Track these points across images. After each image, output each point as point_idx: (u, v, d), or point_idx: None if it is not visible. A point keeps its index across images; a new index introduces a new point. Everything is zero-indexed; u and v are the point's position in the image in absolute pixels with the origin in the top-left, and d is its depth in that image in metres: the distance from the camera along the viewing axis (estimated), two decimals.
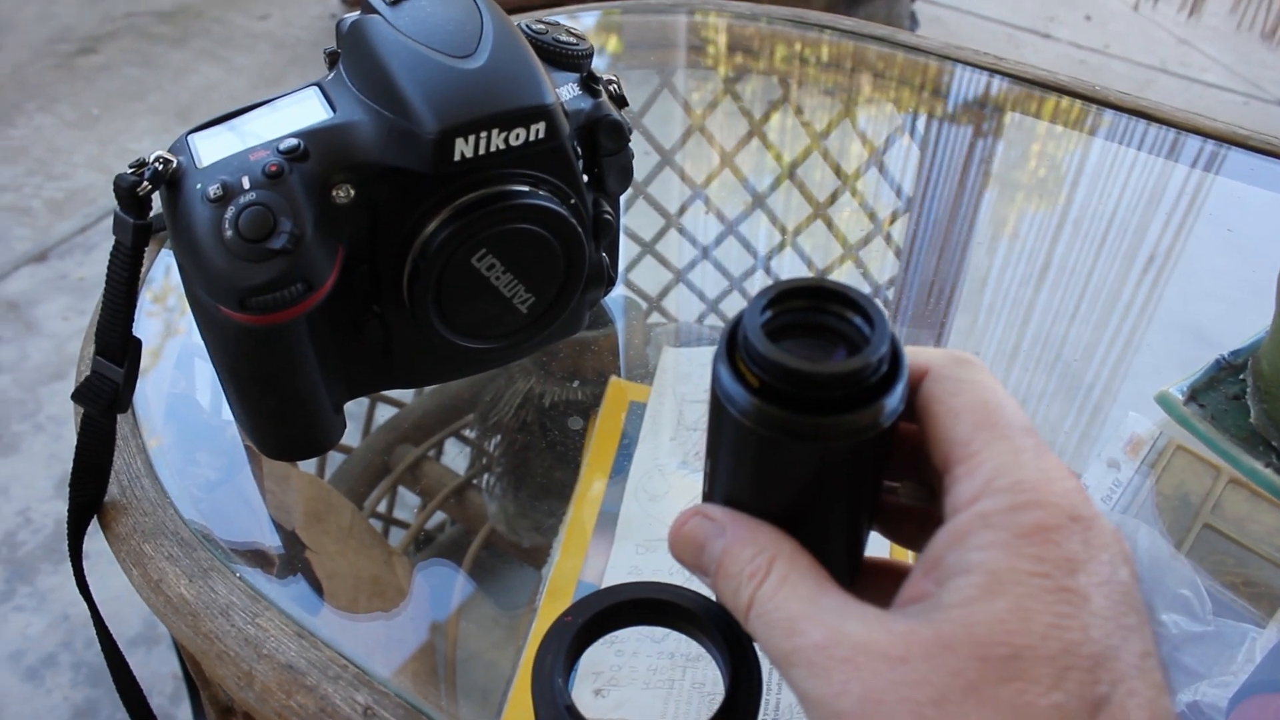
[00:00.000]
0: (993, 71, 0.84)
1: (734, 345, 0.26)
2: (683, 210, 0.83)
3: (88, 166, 1.86)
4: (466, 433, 0.81)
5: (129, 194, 0.41)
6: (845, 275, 0.80)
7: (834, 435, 0.25)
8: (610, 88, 0.48)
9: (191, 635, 0.42)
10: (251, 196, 0.39)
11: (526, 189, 0.42)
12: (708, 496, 0.30)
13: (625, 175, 0.48)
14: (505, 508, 0.75)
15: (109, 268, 0.43)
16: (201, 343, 0.46)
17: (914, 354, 0.27)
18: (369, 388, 0.50)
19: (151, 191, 0.42)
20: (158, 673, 1.09)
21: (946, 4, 2.42)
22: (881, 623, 0.23)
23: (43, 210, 1.75)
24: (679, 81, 0.90)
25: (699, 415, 0.65)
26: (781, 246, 0.81)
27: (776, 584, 0.25)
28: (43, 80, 2.11)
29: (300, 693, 0.39)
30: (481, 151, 0.41)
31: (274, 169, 0.40)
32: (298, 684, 0.39)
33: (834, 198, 0.82)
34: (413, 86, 0.40)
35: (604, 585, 0.57)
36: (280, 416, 0.46)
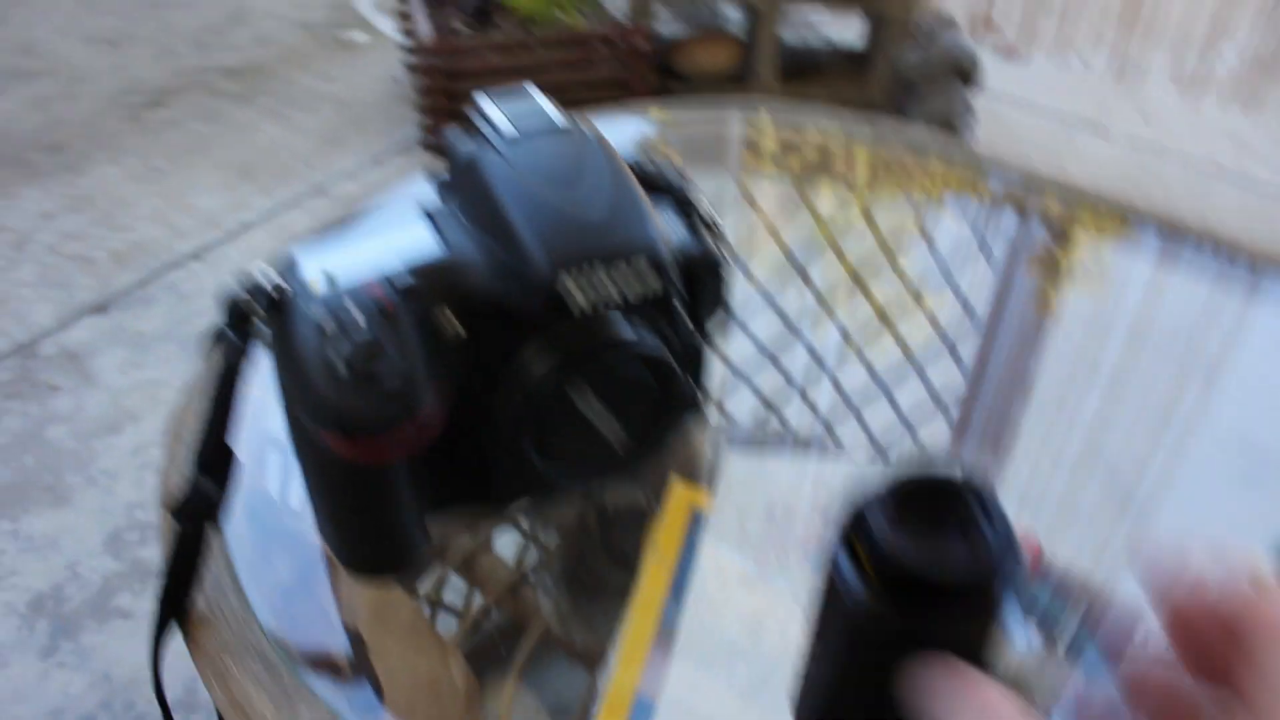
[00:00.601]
0: (1056, 190, 0.84)
1: (854, 531, 0.27)
2: (743, 309, 0.83)
3: (151, 220, 1.89)
4: (521, 522, 0.81)
5: (239, 317, 0.42)
6: (907, 388, 0.80)
7: (949, 634, 0.26)
8: (708, 218, 0.49)
9: None
10: (365, 333, 0.40)
11: (631, 332, 0.43)
12: (807, 679, 0.30)
13: (721, 308, 0.49)
14: (559, 605, 0.75)
15: (212, 384, 0.44)
16: (269, 429, 0.46)
17: (1180, 563, 0.26)
18: (455, 505, 0.50)
19: (262, 318, 0.42)
20: None
21: (1003, 94, 2.43)
22: None
23: (106, 261, 1.79)
24: (728, 180, 0.91)
25: (761, 528, 0.65)
26: (833, 364, 0.81)
27: None
28: (112, 131, 2.17)
29: None
30: (592, 297, 0.41)
31: (387, 305, 0.41)
32: None
33: (884, 317, 0.82)
34: (528, 231, 0.41)
35: (661, 701, 0.56)
36: (369, 538, 0.46)
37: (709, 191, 0.84)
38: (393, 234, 0.45)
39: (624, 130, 0.93)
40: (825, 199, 0.92)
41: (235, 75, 2.39)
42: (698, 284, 0.47)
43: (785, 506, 0.66)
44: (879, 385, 0.80)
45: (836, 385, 0.80)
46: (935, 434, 0.73)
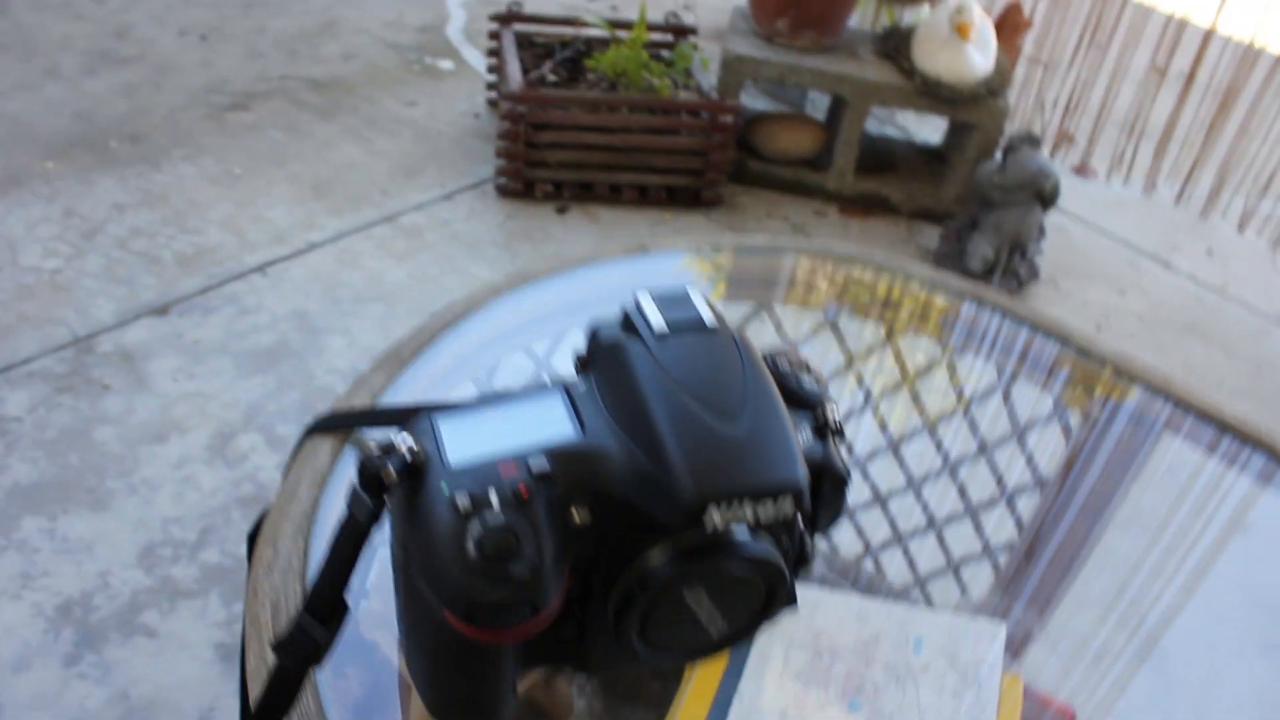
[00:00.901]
0: (1150, 386, 0.84)
1: None
2: None
3: (221, 226, 1.91)
4: None
5: (373, 479, 0.43)
6: (962, 534, 0.80)
7: None
8: (836, 426, 0.49)
9: None
10: (499, 518, 0.40)
11: (755, 544, 0.43)
12: None
13: (836, 516, 0.49)
14: (593, 706, 0.75)
15: (336, 535, 0.44)
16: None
17: None
18: (546, 663, 0.51)
19: (396, 482, 0.43)
20: None
21: (1074, 212, 2.43)
22: None
23: (171, 262, 1.81)
24: (784, 314, 0.91)
25: (804, 663, 0.65)
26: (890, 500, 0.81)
27: None
28: (193, 129, 2.19)
29: None
30: (729, 519, 0.41)
31: (524, 492, 0.41)
32: None
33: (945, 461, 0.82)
34: (674, 445, 0.41)
35: None
36: (465, 698, 0.46)
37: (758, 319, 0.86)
38: (529, 411, 0.45)
39: (689, 268, 0.94)
40: (900, 344, 0.92)
41: (320, 88, 2.41)
42: (820, 496, 0.47)
43: (830, 642, 0.66)
44: (931, 524, 0.80)
45: (890, 519, 0.80)
46: (981, 580, 0.74)
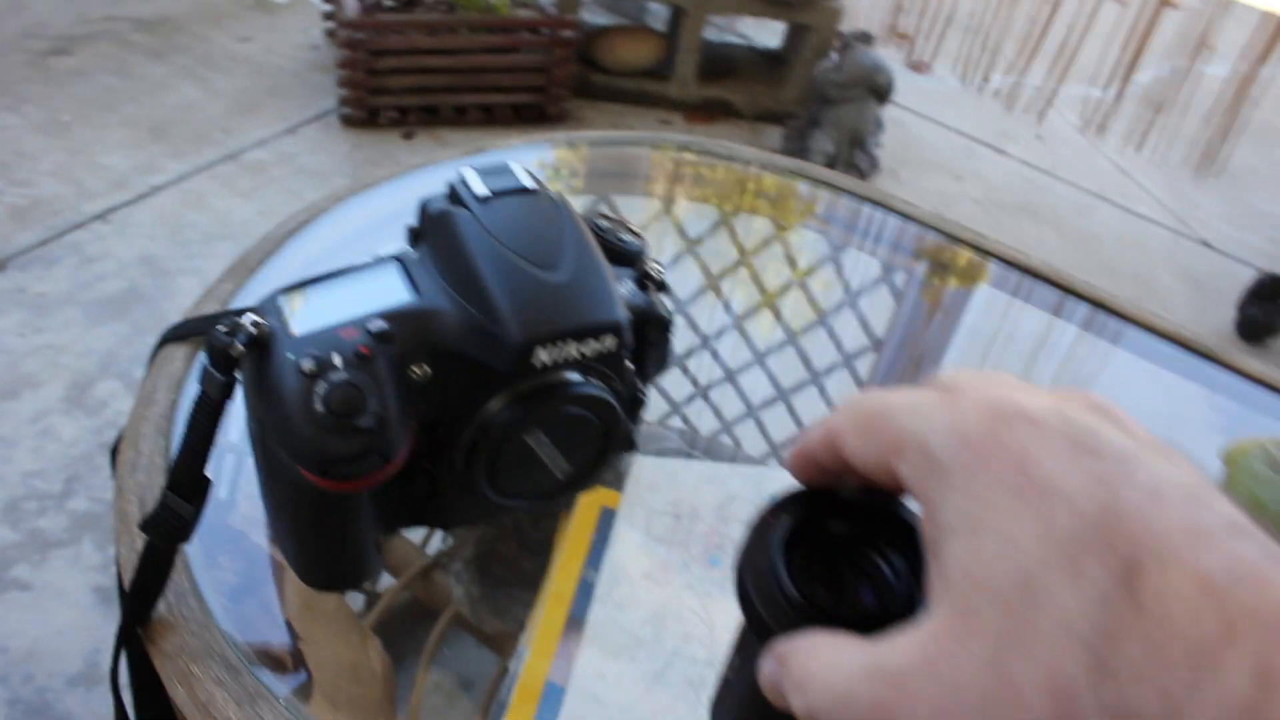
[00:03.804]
0: (957, 240, 0.91)
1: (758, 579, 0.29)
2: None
3: (55, 176, 1.85)
4: None
5: (222, 355, 0.45)
6: (810, 400, 0.86)
7: None
8: (658, 278, 0.53)
9: None
10: (343, 376, 0.43)
11: (585, 384, 0.47)
12: (726, 686, 0.33)
13: (664, 362, 0.53)
14: (470, 592, 0.79)
15: (192, 414, 0.47)
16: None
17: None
18: (406, 524, 0.54)
19: (243, 355, 0.45)
20: (98, 712, 1.09)
21: (910, 107, 2.52)
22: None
23: (4, 217, 1.74)
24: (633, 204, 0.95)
25: (666, 528, 0.70)
26: (739, 373, 0.87)
27: None
28: (12, 77, 2.10)
29: None
30: (557, 359, 0.45)
31: (364, 351, 0.44)
32: None
33: (788, 330, 0.88)
34: (501, 295, 0.44)
35: (570, 688, 0.60)
36: (330, 559, 0.49)
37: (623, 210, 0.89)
38: (367, 282, 0.48)
39: (536, 157, 0.96)
40: (734, 223, 0.97)
41: (147, 27, 2.33)
42: (646, 341, 0.51)
43: (690, 507, 0.71)
44: (779, 393, 0.85)
45: (740, 393, 0.85)
46: None
